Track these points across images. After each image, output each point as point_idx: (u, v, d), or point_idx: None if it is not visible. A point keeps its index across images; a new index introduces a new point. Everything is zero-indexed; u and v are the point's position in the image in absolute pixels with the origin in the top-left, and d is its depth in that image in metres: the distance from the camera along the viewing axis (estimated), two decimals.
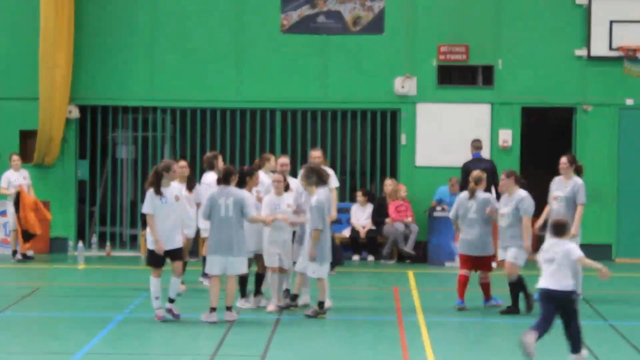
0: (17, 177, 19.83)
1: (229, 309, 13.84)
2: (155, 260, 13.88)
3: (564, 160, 15.70)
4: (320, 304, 14.16)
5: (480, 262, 14.88)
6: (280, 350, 12.34)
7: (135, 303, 15.16)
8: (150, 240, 13.89)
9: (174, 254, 13.88)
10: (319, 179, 14.30)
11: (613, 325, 14.01)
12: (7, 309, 14.72)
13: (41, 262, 19.87)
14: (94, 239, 20.97)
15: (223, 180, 13.91)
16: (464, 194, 15.04)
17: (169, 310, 13.84)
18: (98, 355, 11.98)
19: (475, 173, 15.08)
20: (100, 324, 13.55)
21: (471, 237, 14.78)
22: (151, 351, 12.30)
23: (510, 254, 14.59)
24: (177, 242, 13.90)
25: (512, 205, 14.62)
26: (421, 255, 20.30)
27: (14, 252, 19.82)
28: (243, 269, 13.95)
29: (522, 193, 14.72)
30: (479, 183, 14.92)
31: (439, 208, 20.01)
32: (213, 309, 13.76)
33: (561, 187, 15.62)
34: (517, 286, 14.64)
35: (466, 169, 18.79)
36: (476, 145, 19.64)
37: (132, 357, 11.99)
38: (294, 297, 14.56)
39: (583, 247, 20.48)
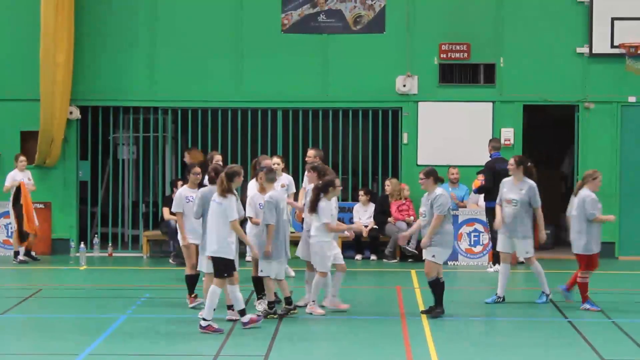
0: (22, 177, 19.83)
1: (230, 307, 13.81)
2: (233, 268, 13.49)
3: (511, 161, 15.48)
4: (270, 303, 14.14)
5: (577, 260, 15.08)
6: (283, 349, 12.32)
7: (138, 304, 15.13)
8: (233, 249, 13.44)
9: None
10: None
11: (616, 323, 13.98)
12: (10, 310, 14.70)
13: (43, 263, 19.84)
14: (96, 240, 20.94)
15: (215, 179, 13.83)
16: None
17: (207, 327, 13.31)
18: (101, 356, 11.96)
19: (590, 171, 15.04)
20: (103, 325, 13.53)
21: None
22: (154, 352, 12.27)
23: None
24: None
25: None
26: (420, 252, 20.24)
27: (16, 253, 19.80)
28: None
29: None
30: (587, 180, 14.92)
31: None
32: (230, 307, 13.74)
33: (514, 190, 15.33)
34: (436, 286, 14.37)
35: (491, 168, 18.72)
36: (495, 145, 19.26)
37: (134, 358, 11.97)
38: (289, 301, 14.39)
39: None
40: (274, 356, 11.93)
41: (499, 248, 15.56)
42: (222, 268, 13.28)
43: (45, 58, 20.40)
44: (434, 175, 14.37)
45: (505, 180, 15.56)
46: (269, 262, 14.08)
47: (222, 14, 21.09)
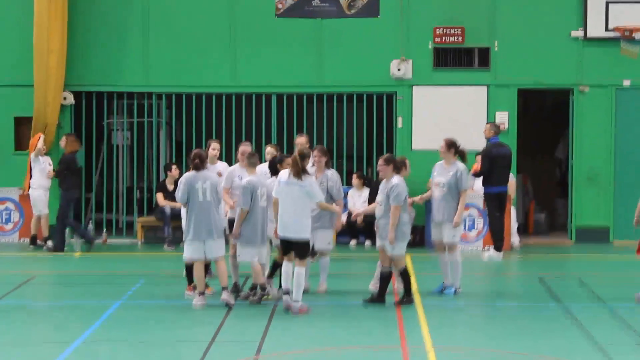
0: (44, 161, 19.85)
1: (225, 289, 13.82)
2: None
3: (442, 144, 14.97)
4: (253, 287, 14.22)
5: None
6: (278, 335, 12.32)
7: (133, 290, 15.12)
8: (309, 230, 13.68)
9: None
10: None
11: (611, 308, 13.98)
12: (4, 297, 14.68)
13: (37, 249, 19.80)
14: (90, 226, 20.92)
15: (200, 164, 13.84)
16: None
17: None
18: (96, 342, 11.94)
19: None
20: (98, 311, 13.52)
21: None
22: (149, 338, 12.25)
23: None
24: None
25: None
26: (418, 239, 20.26)
27: (34, 238, 19.74)
28: (222, 251, 13.90)
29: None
30: None
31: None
32: (201, 293, 13.82)
33: (443, 172, 14.90)
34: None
35: (489, 154, 18.64)
36: (495, 129, 19.12)
37: (130, 344, 11.95)
38: (263, 287, 14.38)
39: (580, 229, 20.73)
40: (269, 341, 11.93)
41: (432, 237, 15.14)
42: (306, 249, 13.59)
43: (39, 44, 20.35)
44: (394, 163, 14.06)
45: (438, 163, 15.28)
46: (243, 247, 14.10)
47: None
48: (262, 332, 12.35)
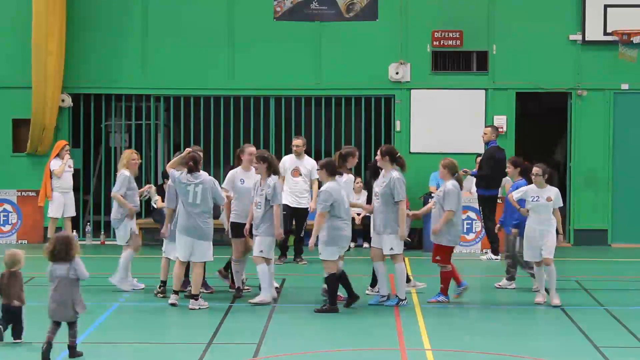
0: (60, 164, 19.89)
1: (194, 297, 13.85)
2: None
3: (378, 151, 14.35)
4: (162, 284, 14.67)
5: None
6: (276, 337, 12.31)
7: (130, 292, 15.10)
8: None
9: None
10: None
11: (609, 310, 13.99)
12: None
13: (35, 251, 19.77)
14: (88, 228, 20.91)
15: (193, 166, 13.88)
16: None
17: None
18: (93, 344, 11.92)
19: None
20: (95, 313, 13.49)
21: None
22: (147, 340, 12.24)
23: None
24: None
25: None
26: (416, 241, 20.26)
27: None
28: (209, 254, 13.95)
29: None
30: None
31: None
32: (175, 292, 14.00)
33: (379, 182, 14.18)
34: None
35: (492, 156, 18.67)
36: (497, 133, 19.13)
37: (127, 346, 11.94)
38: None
39: (579, 232, 20.74)
40: (267, 344, 11.92)
41: (372, 244, 14.55)
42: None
43: (37, 45, 20.35)
44: (329, 167, 13.87)
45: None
46: (168, 243, 14.52)
47: (214, 1, 21.03)
48: (259, 335, 12.35)
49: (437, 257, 14.36)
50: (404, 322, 13.09)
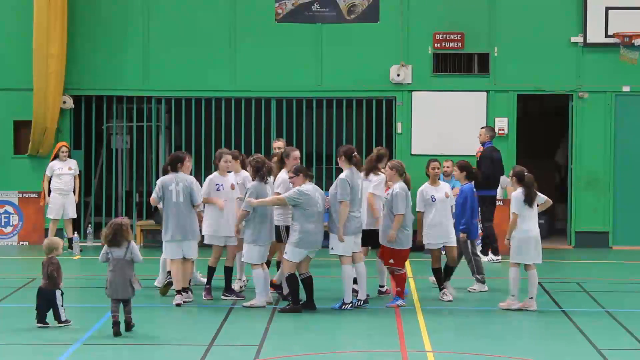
0: (61, 166, 19.82)
1: (179, 292, 14.16)
2: None
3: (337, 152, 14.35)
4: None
5: None
6: (277, 339, 12.31)
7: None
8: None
9: None
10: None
11: (610, 313, 13.99)
12: (3, 300, 14.68)
13: (37, 252, 19.79)
14: (90, 230, 20.91)
15: (172, 166, 14.37)
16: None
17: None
18: (94, 346, 11.94)
19: None
20: (97, 314, 13.51)
21: None
22: (148, 341, 12.25)
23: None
24: None
25: None
26: (417, 243, 20.21)
27: (70, 240, 19.73)
28: (195, 252, 14.39)
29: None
30: None
31: None
32: (179, 292, 14.17)
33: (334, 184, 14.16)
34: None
35: (490, 157, 18.72)
36: (491, 133, 19.19)
37: (128, 348, 11.94)
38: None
39: (580, 234, 20.74)
40: (268, 346, 11.92)
41: None
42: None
43: (39, 48, 20.34)
44: (303, 172, 13.97)
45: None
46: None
47: (216, 2, 21.04)
48: (261, 336, 12.35)
49: (391, 261, 14.32)
50: (405, 325, 13.09)
